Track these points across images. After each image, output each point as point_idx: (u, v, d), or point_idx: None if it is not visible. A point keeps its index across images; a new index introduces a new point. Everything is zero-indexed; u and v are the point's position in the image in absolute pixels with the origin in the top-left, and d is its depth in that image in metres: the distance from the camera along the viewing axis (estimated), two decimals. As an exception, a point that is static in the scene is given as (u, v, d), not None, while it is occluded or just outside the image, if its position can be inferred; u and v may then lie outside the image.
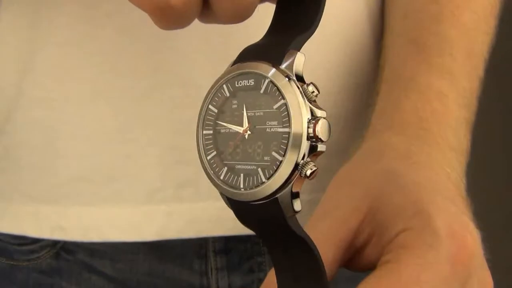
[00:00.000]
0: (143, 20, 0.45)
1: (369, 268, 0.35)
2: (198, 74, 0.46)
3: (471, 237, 0.34)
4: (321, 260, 0.30)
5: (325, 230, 0.35)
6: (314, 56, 0.48)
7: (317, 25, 0.29)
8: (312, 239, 0.31)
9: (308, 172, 0.27)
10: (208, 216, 0.47)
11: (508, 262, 1.19)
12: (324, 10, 0.49)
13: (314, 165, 0.27)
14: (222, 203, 0.48)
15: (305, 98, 0.27)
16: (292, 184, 0.27)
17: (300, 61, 0.28)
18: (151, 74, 0.46)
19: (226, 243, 0.49)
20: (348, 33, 0.50)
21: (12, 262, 0.50)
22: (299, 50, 0.29)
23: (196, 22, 0.45)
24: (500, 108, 1.15)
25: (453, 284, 0.33)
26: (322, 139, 0.27)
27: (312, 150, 0.27)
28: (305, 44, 0.48)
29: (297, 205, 0.28)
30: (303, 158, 0.27)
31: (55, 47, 0.45)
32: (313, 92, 0.27)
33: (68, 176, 0.47)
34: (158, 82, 0.46)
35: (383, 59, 0.48)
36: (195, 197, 0.47)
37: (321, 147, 0.27)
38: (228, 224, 0.48)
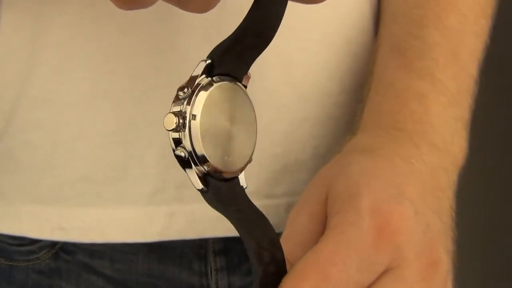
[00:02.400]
0: (145, 20, 0.45)
1: None
2: None
3: (398, 215, 0.35)
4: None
5: (301, 226, 0.37)
6: (315, 57, 0.48)
7: (236, 33, 0.32)
8: (294, 235, 0.37)
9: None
10: (209, 217, 0.47)
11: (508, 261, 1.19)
12: (326, 10, 0.49)
13: (182, 151, 0.31)
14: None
15: (175, 101, 0.31)
16: None
17: (198, 67, 0.32)
18: (152, 74, 0.45)
19: (226, 244, 0.49)
20: (350, 33, 0.50)
21: (11, 263, 0.50)
22: (212, 56, 0.32)
23: (197, 22, 0.45)
24: (501, 108, 1.15)
25: (377, 257, 0.34)
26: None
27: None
28: (307, 45, 0.48)
29: (195, 182, 0.31)
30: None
31: (56, 47, 0.45)
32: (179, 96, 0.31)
33: (69, 177, 0.47)
34: (160, 82, 0.46)
35: (372, 65, 0.48)
36: (196, 197, 0.47)
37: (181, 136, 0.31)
38: (228, 225, 0.47)
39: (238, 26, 0.31)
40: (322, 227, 0.37)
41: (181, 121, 0.30)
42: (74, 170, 0.47)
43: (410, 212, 0.36)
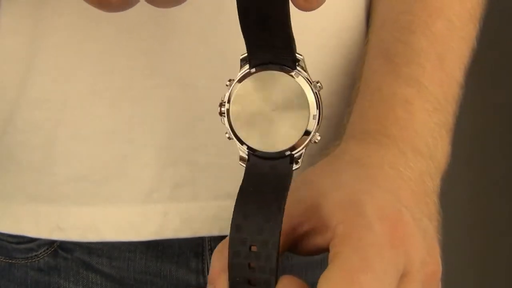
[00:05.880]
0: (141, 21, 0.45)
1: (311, 254, 0.38)
2: (196, 75, 0.46)
3: (401, 221, 0.36)
4: None
5: None
6: (310, 57, 0.48)
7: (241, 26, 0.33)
8: None
9: None
10: (205, 216, 0.48)
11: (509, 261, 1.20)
12: (320, 12, 0.50)
13: (227, 133, 0.35)
14: (218, 203, 0.48)
15: None
16: None
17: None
18: (149, 74, 0.46)
19: (222, 242, 0.50)
20: (345, 35, 0.50)
21: (10, 261, 0.51)
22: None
23: (194, 23, 0.45)
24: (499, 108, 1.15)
25: (396, 261, 0.34)
26: None
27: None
28: (301, 46, 0.48)
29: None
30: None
31: (54, 48, 0.46)
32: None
33: (67, 176, 0.47)
34: (156, 83, 0.46)
35: (360, 69, 0.49)
36: (191, 197, 0.47)
37: None
38: (224, 224, 0.48)
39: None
40: (287, 225, 0.37)
41: (222, 109, 0.35)
42: (71, 169, 0.47)
43: (409, 218, 0.37)
